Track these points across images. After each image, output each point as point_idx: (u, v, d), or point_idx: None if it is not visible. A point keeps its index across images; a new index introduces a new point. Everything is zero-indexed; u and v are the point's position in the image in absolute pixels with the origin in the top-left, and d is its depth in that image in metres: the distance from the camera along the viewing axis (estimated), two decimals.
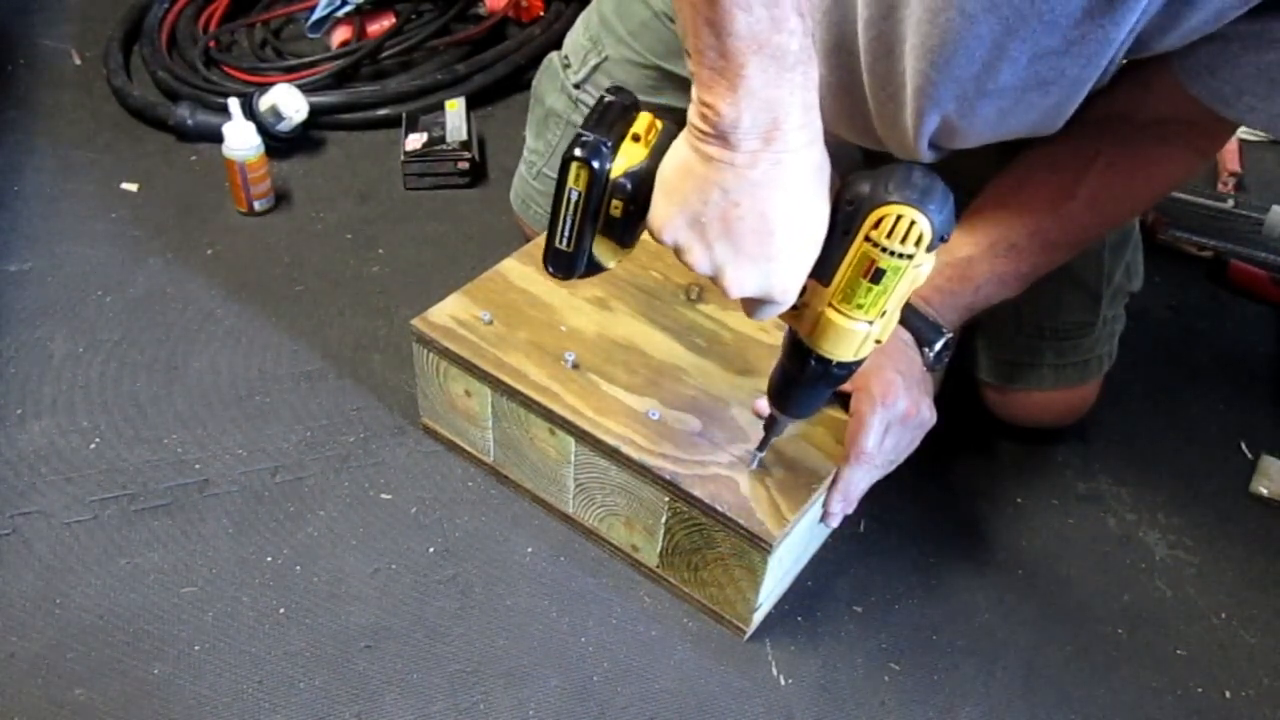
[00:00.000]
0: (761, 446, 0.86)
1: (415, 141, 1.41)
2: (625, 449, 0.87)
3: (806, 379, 0.74)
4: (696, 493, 0.84)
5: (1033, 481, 1.08)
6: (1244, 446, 1.14)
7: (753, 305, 0.70)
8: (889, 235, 0.63)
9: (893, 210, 0.62)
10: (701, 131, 0.62)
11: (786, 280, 0.66)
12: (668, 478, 0.85)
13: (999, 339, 1.06)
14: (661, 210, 0.66)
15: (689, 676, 0.88)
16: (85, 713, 0.82)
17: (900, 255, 0.63)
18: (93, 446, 1.02)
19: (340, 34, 1.66)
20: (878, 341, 0.70)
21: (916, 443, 0.88)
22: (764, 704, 0.86)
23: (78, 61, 1.62)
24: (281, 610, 0.90)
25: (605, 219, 0.71)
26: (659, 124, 0.69)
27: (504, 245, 1.28)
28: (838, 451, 0.88)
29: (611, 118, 0.68)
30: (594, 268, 0.74)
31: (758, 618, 0.91)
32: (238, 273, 1.24)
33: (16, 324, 1.15)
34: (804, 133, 0.62)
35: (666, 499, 0.87)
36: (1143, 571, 1.00)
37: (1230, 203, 1.48)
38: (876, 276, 0.65)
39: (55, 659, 0.85)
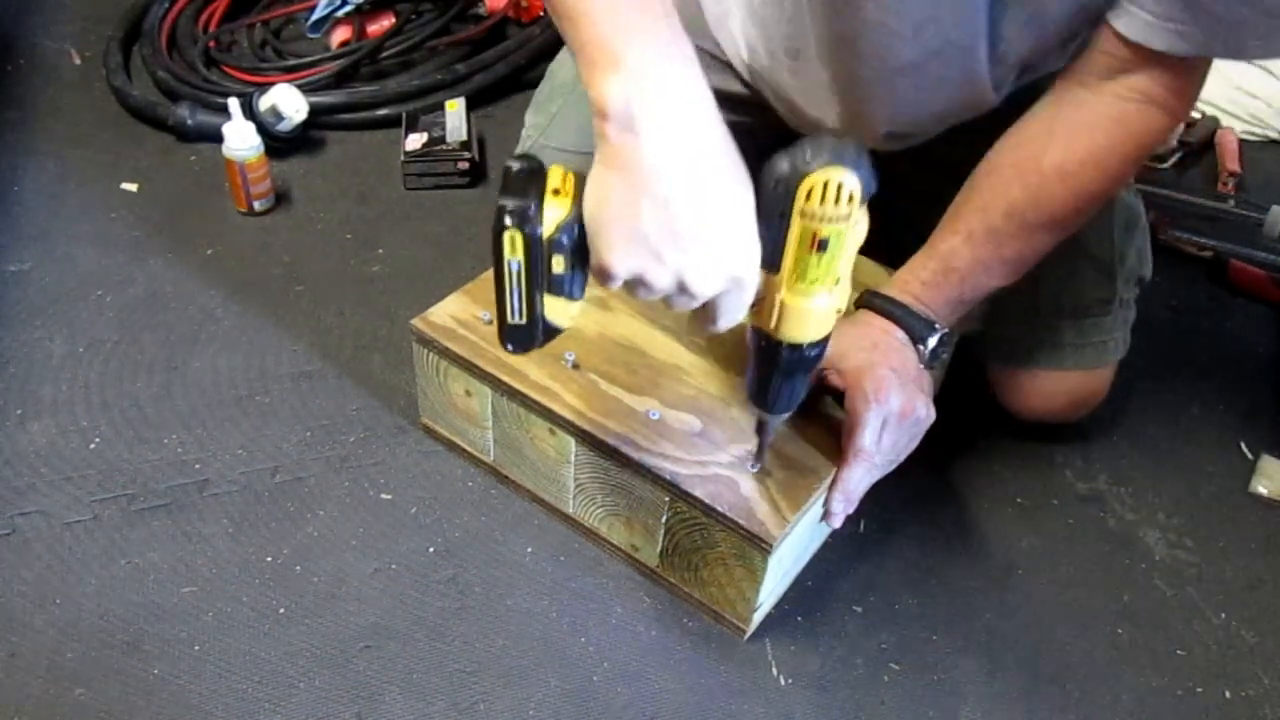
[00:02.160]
0: (759, 455, 0.86)
1: (415, 141, 1.41)
2: (625, 449, 0.87)
3: (783, 371, 0.75)
4: (696, 493, 0.84)
5: (1033, 481, 1.08)
6: (1244, 446, 1.14)
7: (720, 306, 0.69)
8: (823, 202, 0.64)
9: (819, 178, 0.63)
10: (605, 132, 0.63)
11: (743, 257, 0.66)
12: (668, 478, 0.85)
13: (1019, 320, 1.05)
14: (603, 247, 0.66)
15: (689, 676, 0.88)
16: (85, 713, 0.82)
17: (839, 219, 0.64)
18: (93, 446, 1.02)
19: (340, 34, 1.67)
20: (839, 311, 0.71)
21: (916, 441, 0.88)
22: (764, 704, 0.86)
23: (77, 61, 1.62)
24: (281, 610, 0.90)
25: (549, 279, 0.71)
26: (571, 174, 0.69)
27: None
28: (838, 451, 0.88)
29: (524, 182, 0.68)
30: (551, 332, 0.74)
31: (758, 618, 0.91)
32: (238, 273, 1.24)
33: (16, 324, 1.15)
34: (699, 108, 0.64)
35: (666, 499, 0.87)
36: (1143, 571, 1.00)
37: (1230, 203, 1.48)
38: (822, 246, 0.66)
39: (55, 659, 0.85)
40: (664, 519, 0.88)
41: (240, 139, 1.28)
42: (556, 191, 0.68)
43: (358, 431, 1.06)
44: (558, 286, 0.71)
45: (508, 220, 0.67)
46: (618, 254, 0.65)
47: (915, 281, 0.90)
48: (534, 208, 0.67)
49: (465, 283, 1.01)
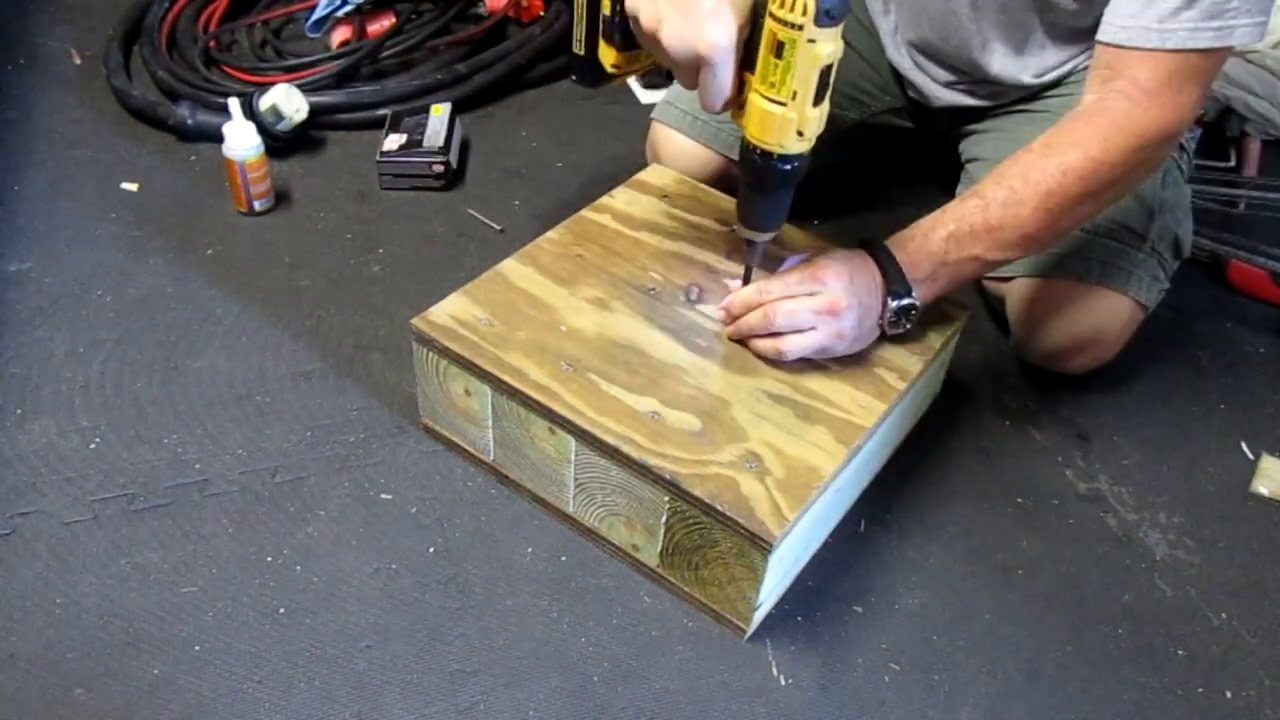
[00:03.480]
0: (746, 277, 0.97)
1: (394, 142, 1.40)
2: (625, 448, 0.87)
3: (758, 180, 0.87)
4: (697, 492, 0.84)
5: (1033, 481, 1.08)
6: (1244, 446, 1.14)
7: (701, 80, 0.82)
8: (782, 7, 0.76)
9: None
10: None
11: (712, 34, 0.78)
12: (668, 477, 0.85)
13: None
14: None
15: (689, 676, 0.88)
16: (85, 713, 0.82)
17: (792, 25, 0.76)
18: (93, 446, 1.02)
19: (340, 34, 1.67)
20: (800, 134, 0.82)
21: (822, 340, 0.92)
22: (764, 704, 0.86)
23: (77, 61, 1.62)
24: (281, 610, 0.90)
25: (602, 20, 0.89)
26: None
27: (504, 245, 1.28)
28: (838, 451, 0.88)
29: None
30: (601, 74, 0.92)
31: (758, 617, 0.91)
32: (238, 273, 1.24)
33: (16, 324, 1.15)
34: None
35: (667, 498, 0.87)
36: (1143, 571, 1.00)
37: (1241, 206, 1.49)
38: (779, 51, 0.78)
39: (55, 659, 0.85)
40: (664, 519, 0.88)
41: (240, 139, 1.28)
42: None
43: (358, 431, 1.06)
44: (606, 28, 0.89)
45: None
46: None
47: (908, 238, 0.95)
48: None
49: (465, 283, 1.01)
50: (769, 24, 0.77)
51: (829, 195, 1.36)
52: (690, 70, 0.82)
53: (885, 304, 0.93)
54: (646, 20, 0.81)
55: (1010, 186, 0.92)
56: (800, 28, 0.75)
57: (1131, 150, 0.89)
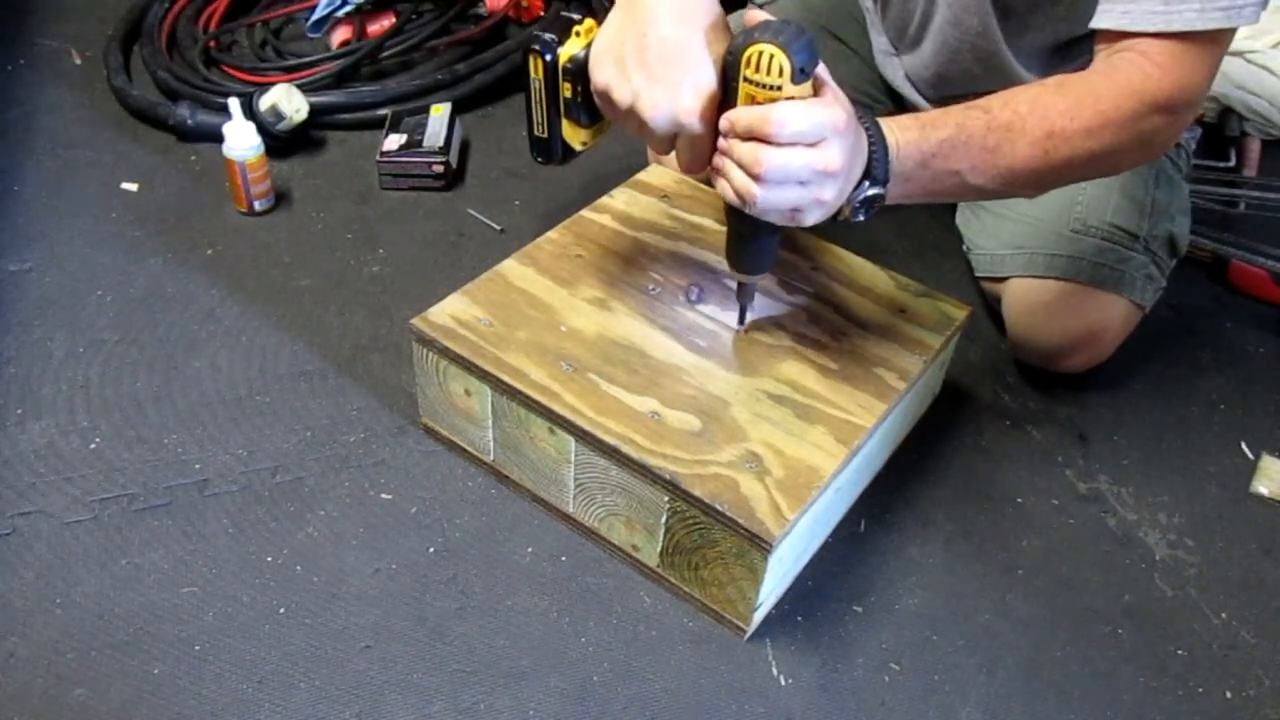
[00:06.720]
0: (741, 318, 0.97)
1: (394, 142, 1.40)
2: (625, 448, 0.87)
3: (746, 229, 0.86)
4: (696, 492, 0.84)
5: (1033, 481, 1.08)
6: (1244, 446, 1.14)
7: (677, 146, 0.82)
8: (757, 70, 0.74)
9: (756, 49, 0.74)
10: None
11: (686, 103, 0.78)
12: (668, 477, 0.85)
13: (1048, 235, 1.11)
14: (595, 62, 0.82)
15: (689, 676, 0.88)
16: (85, 713, 0.82)
17: (769, 86, 0.74)
18: (93, 446, 1.02)
19: (340, 34, 1.67)
20: None
21: (791, 201, 0.78)
22: (764, 704, 0.86)
23: (77, 61, 1.62)
24: (281, 610, 0.90)
25: (563, 103, 0.88)
26: (596, 25, 0.85)
27: (504, 245, 1.28)
28: (838, 451, 0.88)
29: (561, 23, 0.86)
30: (568, 151, 0.92)
31: (758, 617, 0.91)
32: (238, 273, 1.24)
33: (16, 324, 1.15)
34: None
35: (666, 498, 0.87)
36: (1143, 571, 1.00)
37: (1241, 206, 1.49)
38: None
39: (55, 659, 0.85)
40: (664, 519, 0.88)
41: (240, 139, 1.28)
42: (578, 34, 0.86)
43: (358, 431, 1.06)
44: (568, 110, 0.89)
45: (534, 45, 0.86)
46: (602, 63, 0.81)
47: (906, 124, 0.85)
48: (555, 40, 0.85)
49: (465, 283, 1.01)
50: (744, 87, 0.75)
51: None
52: (667, 140, 0.81)
53: (860, 183, 0.82)
54: (620, 96, 0.80)
55: (1017, 112, 0.85)
56: (779, 88, 0.74)
57: (1141, 115, 0.85)
